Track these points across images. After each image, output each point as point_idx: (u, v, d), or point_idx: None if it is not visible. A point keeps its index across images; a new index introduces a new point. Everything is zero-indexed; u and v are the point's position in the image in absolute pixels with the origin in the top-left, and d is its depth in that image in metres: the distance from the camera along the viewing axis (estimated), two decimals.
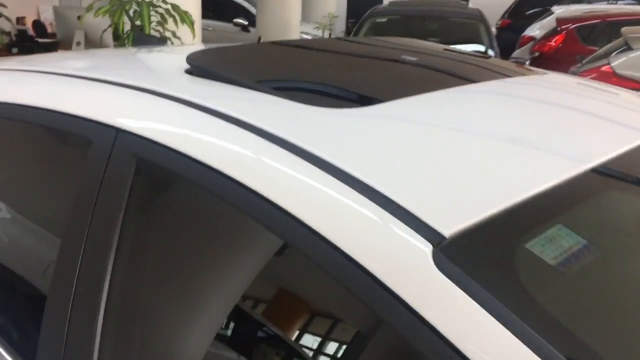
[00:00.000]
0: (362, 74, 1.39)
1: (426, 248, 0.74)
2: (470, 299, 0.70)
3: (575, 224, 0.89)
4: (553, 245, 0.82)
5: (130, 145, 1.03)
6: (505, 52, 7.75)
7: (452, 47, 1.99)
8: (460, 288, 0.71)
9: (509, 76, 1.53)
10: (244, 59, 1.49)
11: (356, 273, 0.76)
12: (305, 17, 12.62)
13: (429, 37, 6.24)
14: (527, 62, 7.00)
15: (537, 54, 7.59)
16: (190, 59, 1.28)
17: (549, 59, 7.19)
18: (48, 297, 1.11)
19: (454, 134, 1.05)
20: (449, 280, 0.72)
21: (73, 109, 1.15)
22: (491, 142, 1.04)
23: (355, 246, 0.78)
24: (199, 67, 1.24)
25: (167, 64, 1.55)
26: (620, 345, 0.78)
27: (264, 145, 0.91)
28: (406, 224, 0.77)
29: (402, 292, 0.73)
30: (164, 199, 1.13)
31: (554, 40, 7.51)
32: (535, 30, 8.55)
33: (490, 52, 6.02)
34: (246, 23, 10.20)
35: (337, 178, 0.83)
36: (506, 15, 11.46)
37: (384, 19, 6.59)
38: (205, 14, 7.07)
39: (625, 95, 1.54)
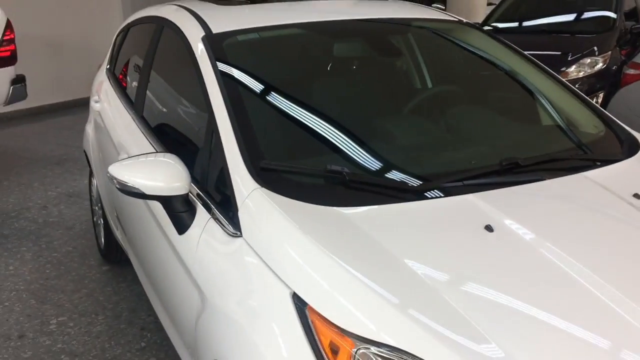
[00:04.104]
0: None
1: (201, 33, 2.32)
2: (210, 65, 2.17)
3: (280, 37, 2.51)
4: (252, 36, 2.49)
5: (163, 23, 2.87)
6: None
7: None
8: (209, 58, 2.22)
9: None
10: None
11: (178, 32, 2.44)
12: None
13: (558, 5, 7.19)
14: None
15: None
16: None
17: None
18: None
19: (294, 14, 2.62)
20: (206, 54, 2.24)
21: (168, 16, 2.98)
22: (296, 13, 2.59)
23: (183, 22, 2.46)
24: None
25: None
26: None
27: (183, 12, 2.65)
28: (201, 24, 2.38)
29: (193, 46, 2.40)
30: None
31: None
32: None
33: (612, 15, 6.76)
34: (443, 8, 11.57)
35: (192, 14, 2.45)
36: None
37: None
38: None
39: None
